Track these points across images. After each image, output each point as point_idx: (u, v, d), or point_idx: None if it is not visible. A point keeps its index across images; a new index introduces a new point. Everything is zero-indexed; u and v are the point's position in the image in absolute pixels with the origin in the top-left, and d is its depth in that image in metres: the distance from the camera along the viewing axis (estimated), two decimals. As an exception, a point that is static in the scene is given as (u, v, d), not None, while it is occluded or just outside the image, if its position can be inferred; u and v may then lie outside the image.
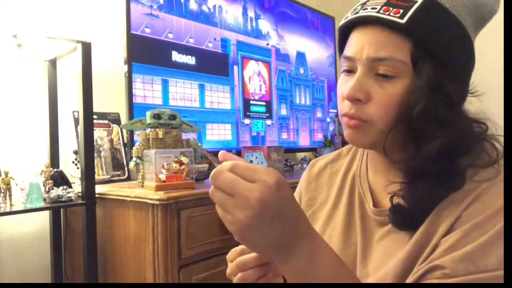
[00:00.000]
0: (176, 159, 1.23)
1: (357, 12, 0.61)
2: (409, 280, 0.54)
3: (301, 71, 2.42)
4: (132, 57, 1.55)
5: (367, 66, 0.59)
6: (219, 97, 1.90)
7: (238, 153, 1.79)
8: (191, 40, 1.77)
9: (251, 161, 1.56)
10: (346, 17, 0.64)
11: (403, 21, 0.56)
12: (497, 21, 0.67)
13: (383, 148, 0.60)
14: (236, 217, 0.43)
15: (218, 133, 1.88)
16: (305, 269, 0.47)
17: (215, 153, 0.52)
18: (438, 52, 0.56)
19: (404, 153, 0.59)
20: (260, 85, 2.13)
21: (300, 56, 2.42)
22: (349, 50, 0.62)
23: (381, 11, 0.58)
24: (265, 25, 2.18)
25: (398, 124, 0.58)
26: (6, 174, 1.21)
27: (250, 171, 0.44)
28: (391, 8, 0.57)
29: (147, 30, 1.59)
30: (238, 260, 0.60)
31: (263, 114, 2.14)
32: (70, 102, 1.56)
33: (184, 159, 1.24)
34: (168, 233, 1.13)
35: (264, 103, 2.14)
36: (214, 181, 0.45)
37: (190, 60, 1.77)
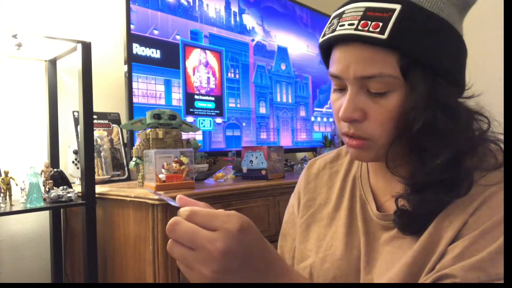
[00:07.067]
0: (176, 159, 1.23)
1: (334, 29, 0.58)
2: None
3: (283, 67, 2.27)
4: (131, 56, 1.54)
5: (356, 84, 0.56)
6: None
7: (230, 152, 1.79)
8: (156, 32, 1.64)
9: (251, 161, 1.56)
10: (324, 34, 0.60)
11: (385, 36, 0.52)
12: (497, 21, 0.67)
13: (386, 163, 0.58)
14: (201, 273, 0.40)
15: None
16: None
17: (173, 197, 0.48)
18: (426, 57, 0.54)
19: (408, 165, 0.58)
20: (208, 78, 1.85)
21: (282, 51, 2.27)
22: (334, 68, 0.59)
23: (359, 27, 0.54)
24: (249, 20, 2.08)
25: (399, 137, 0.56)
26: (6, 174, 1.21)
27: (210, 218, 0.41)
28: (369, 22, 0.54)
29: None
30: None
31: (211, 111, 1.86)
32: (70, 102, 1.56)
33: (184, 159, 1.24)
34: (168, 233, 1.13)
35: (212, 98, 1.86)
36: (172, 234, 0.41)
37: (154, 53, 1.62)
